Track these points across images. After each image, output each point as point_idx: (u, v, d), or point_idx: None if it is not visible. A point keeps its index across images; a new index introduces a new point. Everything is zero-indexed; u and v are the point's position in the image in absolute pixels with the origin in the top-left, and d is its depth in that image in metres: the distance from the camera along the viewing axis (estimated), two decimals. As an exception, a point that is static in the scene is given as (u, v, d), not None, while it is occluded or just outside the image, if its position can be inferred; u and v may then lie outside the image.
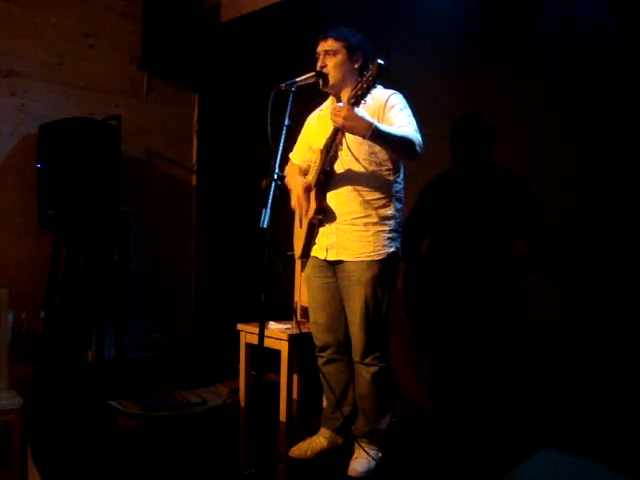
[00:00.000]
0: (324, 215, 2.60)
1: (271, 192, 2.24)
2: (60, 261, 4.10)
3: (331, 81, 2.55)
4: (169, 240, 4.87)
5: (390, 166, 2.56)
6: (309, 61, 2.61)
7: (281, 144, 2.34)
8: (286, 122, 2.36)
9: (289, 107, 2.39)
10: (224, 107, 4.74)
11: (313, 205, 2.59)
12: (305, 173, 2.79)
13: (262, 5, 4.30)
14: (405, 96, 2.58)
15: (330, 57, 2.54)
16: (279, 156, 2.31)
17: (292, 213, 3.59)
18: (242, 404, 3.43)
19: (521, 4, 2.92)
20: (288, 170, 2.78)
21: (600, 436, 2.53)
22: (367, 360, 2.55)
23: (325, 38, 2.57)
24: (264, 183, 2.29)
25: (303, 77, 2.48)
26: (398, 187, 2.60)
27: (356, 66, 2.55)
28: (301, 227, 2.73)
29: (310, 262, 2.73)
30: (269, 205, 2.21)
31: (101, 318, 4.04)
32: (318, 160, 2.61)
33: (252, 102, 3.92)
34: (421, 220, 3.32)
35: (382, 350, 2.57)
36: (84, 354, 4.30)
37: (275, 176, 2.28)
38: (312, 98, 2.75)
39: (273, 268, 2.31)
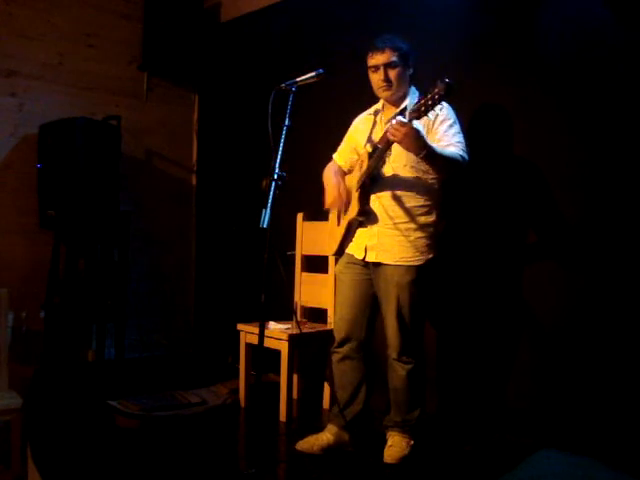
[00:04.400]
0: (366, 217, 2.63)
1: (271, 192, 2.25)
2: (60, 261, 4.10)
3: (394, 92, 2.58)
4: (169, 240, 4.87)
5: (435, 174, 2.58)
6: (309, 61, 2.61)
7: (281, 144, 2.34)
8: (286, 122, 2.37)
9: (289, 107, 2.39)
10: (224, 107, 4.74)
11: (356, 207, 2.64)
12: (346, 174, 2.83)
13: (262, 5, 4.31)
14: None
15: (391, 69, 2.56)
16: (279, 156, 2.32)
17: (292, 213, 3.61)
18: (242, 404, 3.43)
19: (520, 2, 2.92)
20: (328, 167, 2.83)
21: (600, 436, 2.53)
22: (403, 358, 2.62)
23: (382, 50, 2.55)
24: (264, 183, 2.30)
25: (303, 77, 2.48)
26: (442, 195, 2.65)
27: (409, 73, 2.59)
28: (338, 225, 2.74)
29: (343, 258, 2.78)
30: (269, 205, 2.22)
31: (101, 318, 4.04)
32: (365, 164, 2.64)
33: (252, 102, 3.92)
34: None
35: (417, 349, 2.65)
36: (84, 354, 4.29)
37: (275, 176, 2.28)
38: (312, 98, 2.75)
39: (273, 268, 2.31)
